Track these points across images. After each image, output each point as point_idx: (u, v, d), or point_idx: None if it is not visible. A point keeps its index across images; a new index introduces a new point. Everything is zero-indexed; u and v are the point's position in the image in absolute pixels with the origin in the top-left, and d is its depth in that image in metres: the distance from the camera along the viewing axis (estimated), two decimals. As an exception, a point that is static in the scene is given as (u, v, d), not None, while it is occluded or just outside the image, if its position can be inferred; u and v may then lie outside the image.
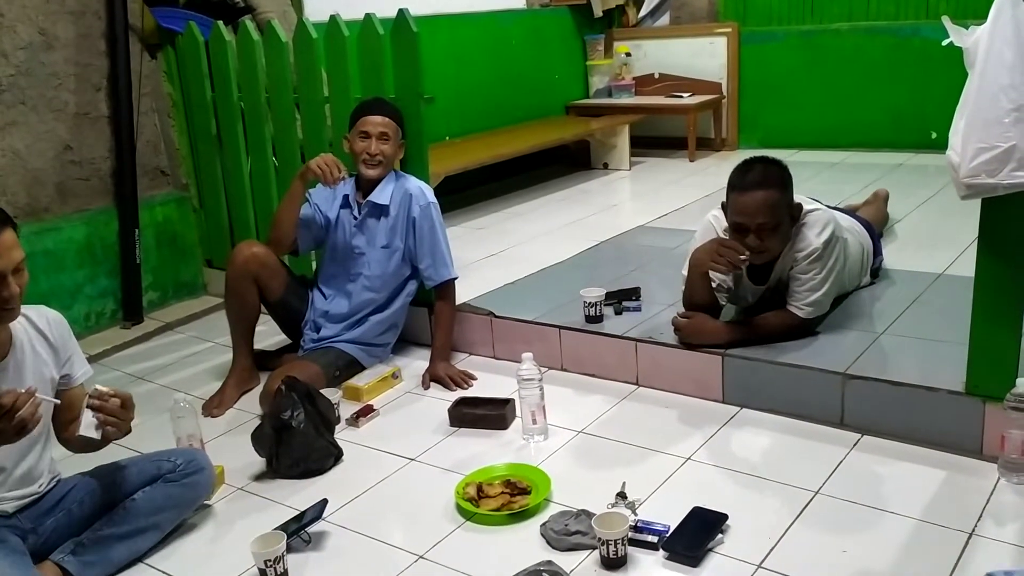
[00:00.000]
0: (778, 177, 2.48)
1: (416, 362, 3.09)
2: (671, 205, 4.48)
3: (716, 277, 2.68)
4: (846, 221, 2.94)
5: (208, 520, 2.24)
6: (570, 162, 5.71)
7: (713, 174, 5.16)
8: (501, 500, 2.17)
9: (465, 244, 4.06)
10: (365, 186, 2.98)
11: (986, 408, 2.19)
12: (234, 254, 2.92)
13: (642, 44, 6.07)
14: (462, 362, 3.09)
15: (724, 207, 2.59)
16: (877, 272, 3.11)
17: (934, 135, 4.95)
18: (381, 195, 2.95)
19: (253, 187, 3.65)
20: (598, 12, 5.92)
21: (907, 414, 2.31)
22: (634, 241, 3.95)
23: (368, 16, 3.08)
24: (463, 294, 3.22)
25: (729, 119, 5.85)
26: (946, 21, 2.00)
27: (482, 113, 5.32)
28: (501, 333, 3.06)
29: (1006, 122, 1.90)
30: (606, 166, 5.61)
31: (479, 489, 2.21)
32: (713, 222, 2.70)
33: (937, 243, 3.42)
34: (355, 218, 2.99)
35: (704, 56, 5.82)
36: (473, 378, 2.93)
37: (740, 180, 2.49)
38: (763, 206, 2.44)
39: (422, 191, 2.97)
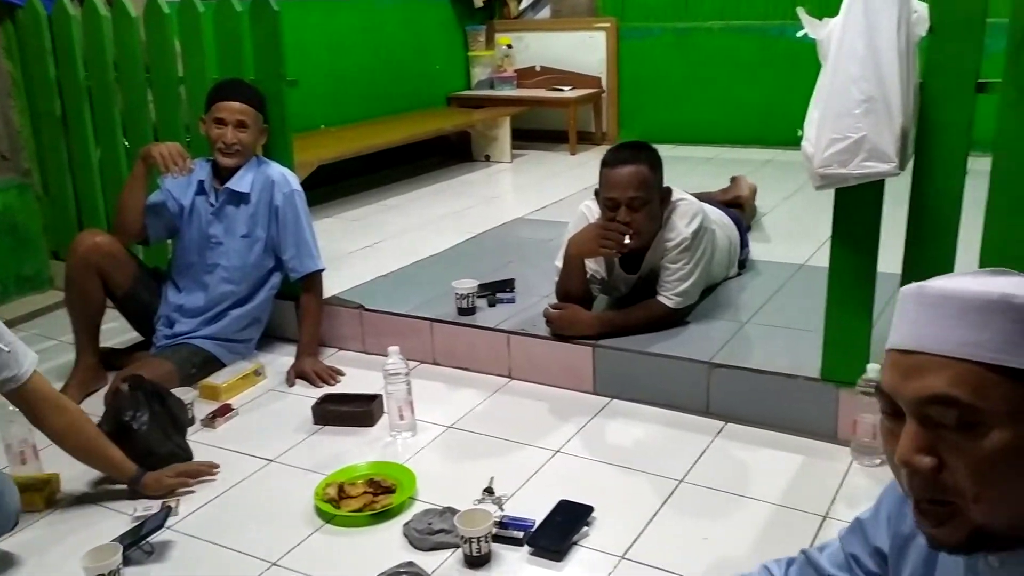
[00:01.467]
0: (649, 157, 2.51)
1: (282, 358, 2.95)
2: (551, 197, 4.47)
3: (590, 267, 2.67)
4: (714, 214, 2.97)
5: (37, 533, 2.05)
6: (452, 154, 5.63)
7: (593, 167, 5.03)
8: (363, 500, 2.07)
9: (338, 236, 3.94)
10: (223, 172, 2.81)
11: (840, 394, 2.24)
12: (75, 244, 2.71)
13: (524, 36, 6.04)
14: (331, 357, 2.97)
15: (597, 194, 2.58)
16: (744, 263, 3.17)
17: (800, 133, 5.09)
18: (240, 182, 2.80)
19: (103, 173, 3.41)
20: (478, 2, 5.86)
21: (768, 401, 2.35)
22: (512, 233, 3.91)
23: (221, -8, 2.92)
24: (333, 287, 3.10)
25: (609, 113, 5.90)
26: (801, 13, 2.03)
27: (360, 102, 5.17)
28: (371, 327, 2.96)
29: (857, 113, 1.93)
30: (488, 158, 5.55)
31: (340, 489, 2.10)
32: (586, 212, 2.69)
33: (801, 235, 3.52)
34: (212, 205, 2.82)
35: (584, 50, 5.85)
36: (341, 374, 2.81)
37: (612, 157, 2.51)
38: (634, 179, 2.45)
39: (285, 178, 2.84)
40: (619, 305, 2.75)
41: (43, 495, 2.14)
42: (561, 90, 5.73)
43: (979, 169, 2.03)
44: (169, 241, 3.05)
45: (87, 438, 2.06)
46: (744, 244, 3.15)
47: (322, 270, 2.89)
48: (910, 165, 2.04)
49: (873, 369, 2.12)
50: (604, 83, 5.82)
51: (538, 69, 5.96)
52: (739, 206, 3.41)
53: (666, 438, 2.36)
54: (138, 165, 2.71)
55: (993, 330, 0.78)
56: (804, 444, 2.28)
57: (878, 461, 2.15)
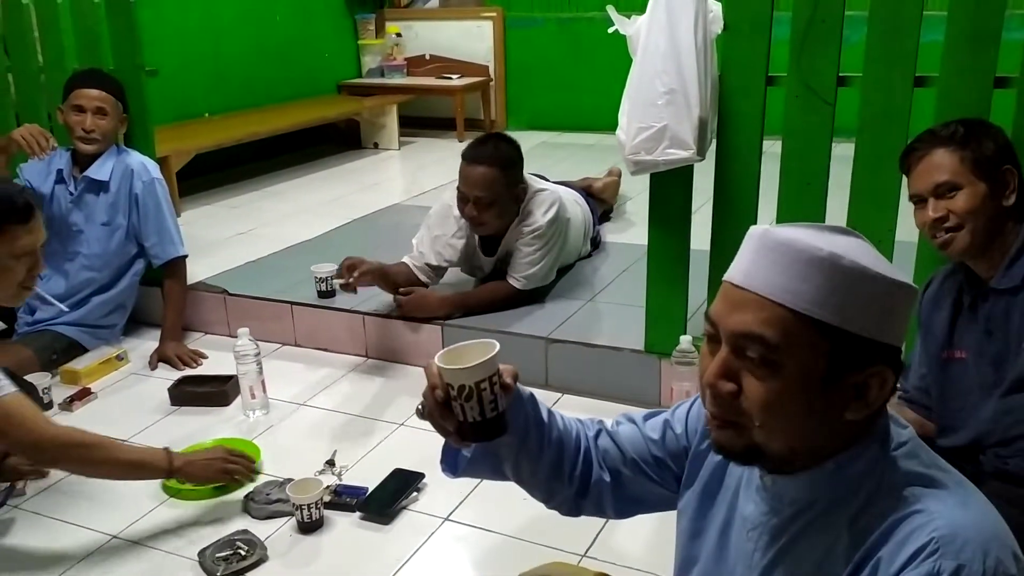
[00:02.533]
0: (505, 157, 2.64)
1: (147, 343, 3.01)
2: (432, 183, 4.57)
3: (445, 252, 2.80)
4: (571, 196, 3.15)
5: None
6: (341, 141, 5.69)
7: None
8: None
9: (215, 222, 3.99)
10: (82, 160, 2.85)
11: (661, 364, 2.43)
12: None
13: (413, 25, 6.13)
14: (197, 341, 3.04)
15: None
16: (597, 242, 3.35)
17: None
18: (100, 171, 2.84)
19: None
20: (367, -9, 5.92)
21: (599, 373, 2.52)
22: (387, 218, 4.02)
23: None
24: (203, 272, 3.17)
25: (497, 101, 6.03)
26: (611, 11, 2.19)
27: (246, 90, 5.19)
28: (236, 311, 3.04)
29: (660, 104, 2.11)
30: (376, 145, 5.64)
31: None
32: (450, 202, 2.80)
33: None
34: (71, 193, 2.86)
35: (472, 39, 5.97)
36: (203, 357, 2.89)
37: (470, 152, 2.65)
38: (481, 181, 2.59)
39: (145, 167, 2.89)
40: (480, 284, 2.90)
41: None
42: (449, 78, 5.85)
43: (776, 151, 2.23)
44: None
45: None
46: (595, 224, 3.33)
47: (184, 256, 2.96)
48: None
49: (686, 340, 2.31)
50: (492, 71, 5.96)
51: (427, 58, 6.06)
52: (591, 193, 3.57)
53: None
54: None
55: (811, 283, 0.86)
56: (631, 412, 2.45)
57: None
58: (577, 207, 3.17)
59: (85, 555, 1.93)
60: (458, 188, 2.68)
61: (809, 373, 0.87)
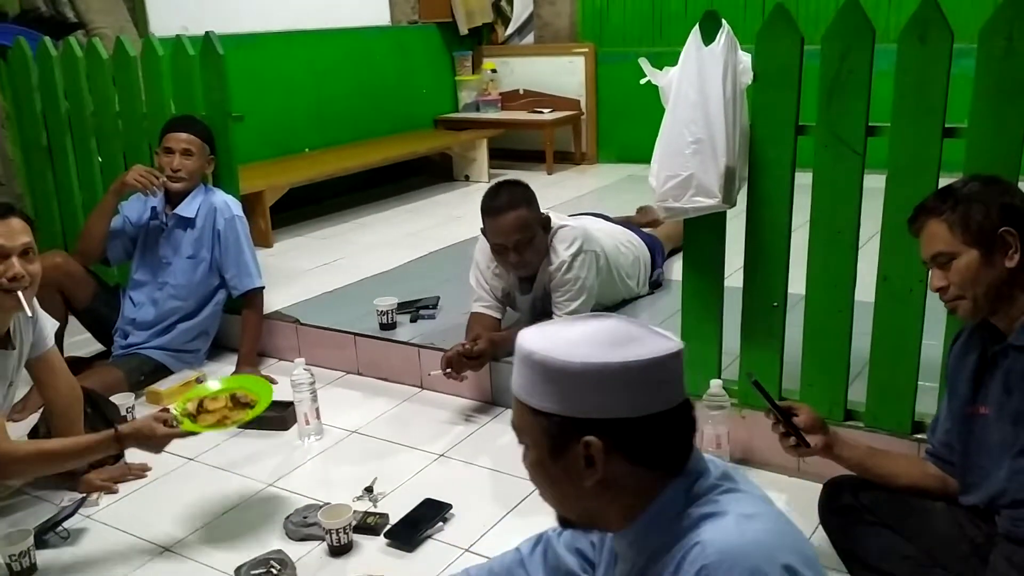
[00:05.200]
0: (523, 197, 2.71)
1: (226, 367, 3.23)
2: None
3: (500, 284, 2.89)
4: (621, 236, 3.20)
5: (-23, 518, 2.36)
6: (435, 174, 5.92)
7: (568, 186, 5.44)
8: (219, 415, 2.19)
9: (303, 253, 4.24)
10: (173, 199, 3.12)
11: (696, 405, 2.43)
12: (37, 265, 3.04)
13: (509, 61, 6.31)
14: (270, 367, 3.25)
15: (484, 232, 2.79)
16: (658, 283, 3.37)
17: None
18: (187, 208, 3.10)
19: (83, 199, 3.74)
20: (463, 30, 6.13)
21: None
22: (462, 251, 4.14)
23: (179, 37, 3.22)
24: (284, 301, 3.39)
25: (588, 134, 6.13)
26: (643, 63, 2.25)
27: (346, 126, 5.48)
28: (306, 339, 3.23)
29: (687, 153, 2.16)
30: (467, 178, 5.82)
31: (200, 404, 2.21)
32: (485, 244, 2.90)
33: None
34: (162, 229, 3.13)
35: (565, 74, 6.10)
36: (274, 382, 3.05)
37: (491, 205, 2.70)
38: (516, 225, 2.66)
39: (228, 205, 3.13)
40: (528, 323, 2.98)
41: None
42: (541, 112, 5.98)
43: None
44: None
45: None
46: (656, 265, 3.36)
47: (261, 288, 3.18)
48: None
49: (716, 385, 2.32)
50: (583, 105, 6.06)
51: (521, 92, 6.23)
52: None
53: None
54: (108, 198, 3.05)
55: (522, 376, 1.09)
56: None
57: (727, 469, 2.35)
58: (617, 243, 3.17)
59: (139, 566, 2.12)
60: (493, 243, 2.75)
61: (540, 447, 1.08)
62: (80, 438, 2.16)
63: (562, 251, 2.77)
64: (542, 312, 2.91)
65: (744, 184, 2.24)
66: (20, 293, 2.04)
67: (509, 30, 6.38)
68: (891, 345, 2.14)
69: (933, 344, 2.10)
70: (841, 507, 1.88)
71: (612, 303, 3.11)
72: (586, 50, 5.98)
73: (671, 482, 1.07)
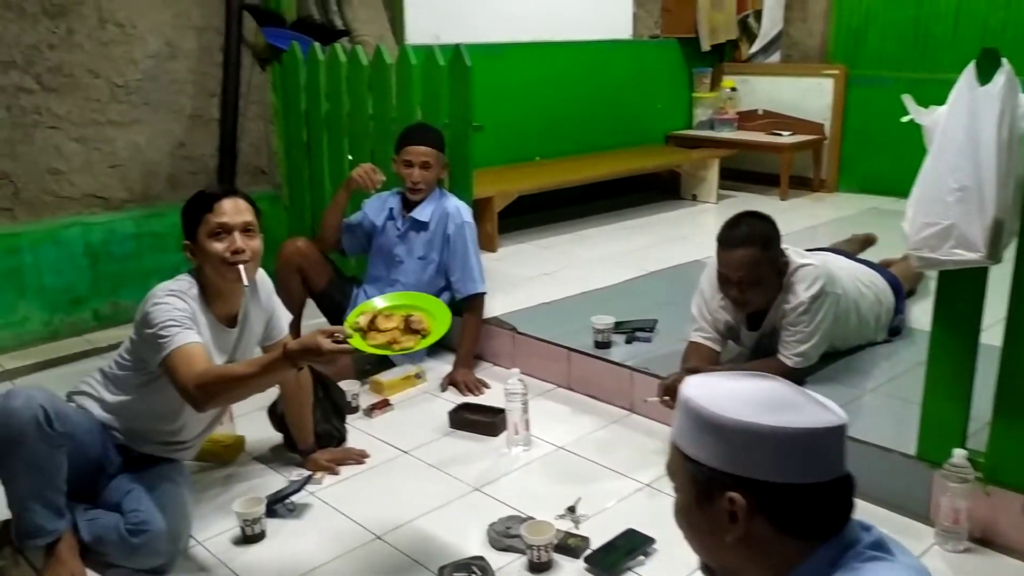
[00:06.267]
0: (762, 235, 2.59)
1: (443, 366, 3.36)
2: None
3: (724, 317, 2.80)
4: (863, 277, 2.99)
5: (214, 478, 2.60)
6: (663, 191, 5.84)
7: (802, 214, 5.18)
8: (389, 337, 2.02)
9: (525, 261, 4.32)
10: (409, 203, 3.29)
11: (933, 474, 2.23)
12: (282, 247, 3.32)
13: (750, 80, 6.11)
14: (484, 371, 3.34)
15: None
16: (898, 330, 3.12)
17: None
18: (422, 213, 3.26)
19: (332, 193, 4.03)
20: (705, 46, 6.01)
21: (864, 472, 2.35)
22: (684, 274, 4.05)
23: (431, 47, 3.39)
24: (501, 307, 3.48)
25: (829, 161, 5.80)
26: (907, 100, 2.08)
27: (577, 137, 5.54)
28: (521, 348, 3.29)
29: (949, 201, 1.97)
30: (694, 197, 5.70)
31: (372, 320, 2.06)
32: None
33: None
34: (398, 229, 3.31)
35: (810, 96, 5.81)
36: (486, 387, 3.17)
37: (725, 235, 2.62)
38: (744, 263, 2.56)
39: (459, 211, 3.25)
40: (748, 360, 2.86)
41: (229, 451, 2.69)
42: (780, 135, 5.74)
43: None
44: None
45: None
46: (899, 310, 3.11)
47: (483, 293, 3.27)
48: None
49: (960, 455, 2.11)
50: (827, 130, 5.75)
51: (760, 112, 6.01)
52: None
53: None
54: (340, 192, 3.28)
55: (680, 420, 1.12)
56: (892, 519, 2.28)
57: (961, 547, 2.14)
58: (858, 284, 2.95)
59: (349, 549, 2.24)
60: (719, 272, 2.67)
61: (687, 493, 1.10)
62: (256, 358, 2.10)
63: (801, 292, 2.63)
64: (767, 350, 2.79)
65: (1013, 239, 2.01)
66: (241, 267, 2.14)
67: (754, 48, 6.17)
68: None
69: None
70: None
71: (845, 347, 2.91)
72: (836, 72, 5.66)
73: (818, 548, 1.05)
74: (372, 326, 2.03)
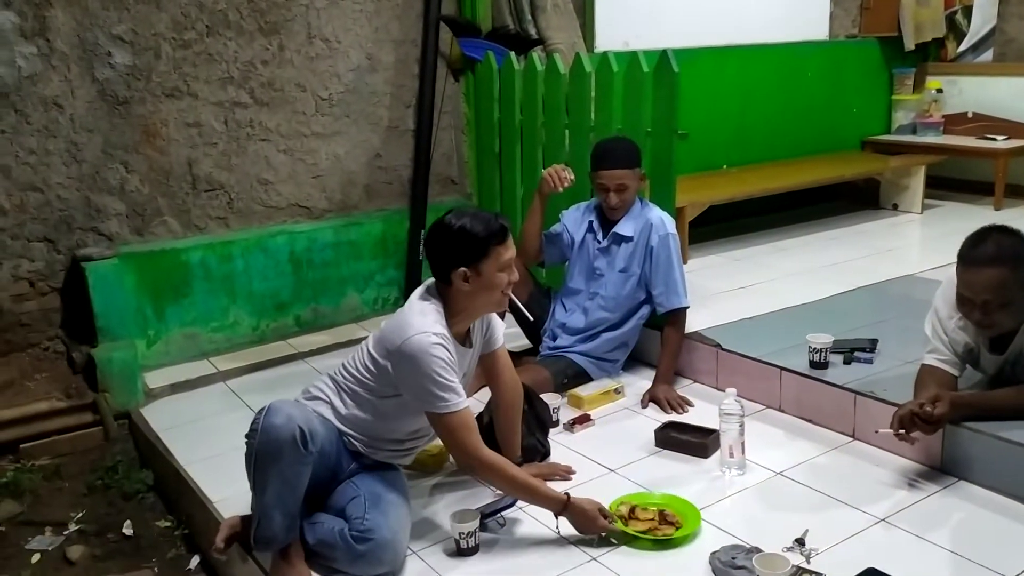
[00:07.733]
0: (1011, 254, 2.31)
1: (641, 381, 3.25)
2: (955, 255, 4.18)
3: (958, 341, 2.54)
4: None
5: (423, 487, 2.59)
6: (858, 199, 5.50)
7: (1020, 224, 4.67)
8: (649, 525, 2.27)
9: (718, 273, 4.15)
10: (607, 219, 3.20)
11: None
12: (484, 259, 3.30)
13: (958, 80, 5.66)
14: (685, 388, 3.20)
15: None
16: None
17: None
18: (625, 227, 3.16)
19: (524, 203, 4.01)
20: (910, 45, 5.61)
21: None
22: (897, 290, 3.77)
23: (633, 54, 3.29)
24: (700, 322, 3.33)
25: (1051, 167, 5.28)
26: None
27: (767, 144, 5.30)
28: (725, 365, 3.14)
29: None
30: (895, 207, 5.32)
31: (632, 510, 2.32)
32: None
33: None
34: (599, 243, 3.23)
35: (1028, 97, 5.31)
36: (689, 404, 3.04)
37: (968, 252, 2.36)
38: (989, 284, 2.30)
39: (663, 222, 3.14)
40: (989, 386, 2.59)
41: (435, 460, 2.69)
42: (994, 139, 5.27)
43: None
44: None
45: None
46: None
47: (686, 307, 3.14)
48: None
49: None
50: (1050, 134, 5.23)
51: (970, 115, 5.55)
52: None
53: (1010, 532, 2.21)
54: (535, 198, 3.23)
55: None
56: None
57: None
58: None
59: (564, 570, 2.16)
60: (959, 292, 2.41)
61: None
62: (538, 484, 2.29)
63: None
64: (1010, 377, 2.50)
65: None
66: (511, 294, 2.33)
67: (963, 46, 5.71)
68: None
69: None
70: None
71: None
72: (1060, 70, 5.15)
73: None
74: (632, 515, 2.30)
